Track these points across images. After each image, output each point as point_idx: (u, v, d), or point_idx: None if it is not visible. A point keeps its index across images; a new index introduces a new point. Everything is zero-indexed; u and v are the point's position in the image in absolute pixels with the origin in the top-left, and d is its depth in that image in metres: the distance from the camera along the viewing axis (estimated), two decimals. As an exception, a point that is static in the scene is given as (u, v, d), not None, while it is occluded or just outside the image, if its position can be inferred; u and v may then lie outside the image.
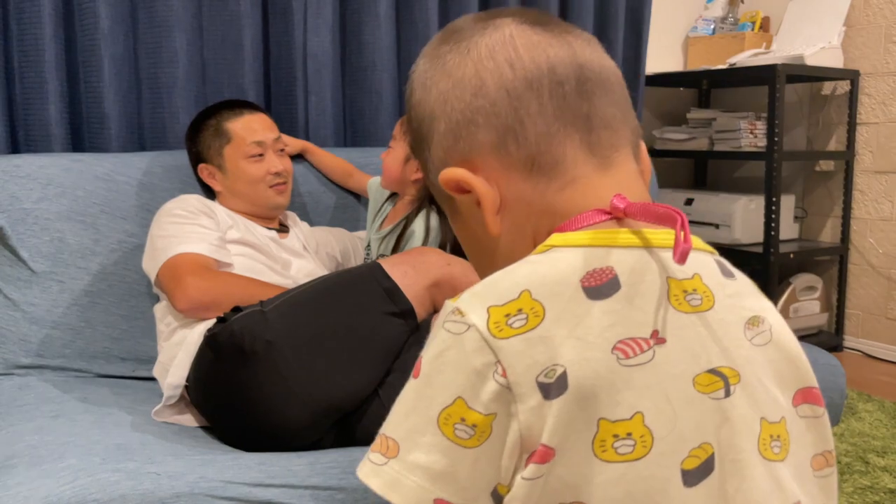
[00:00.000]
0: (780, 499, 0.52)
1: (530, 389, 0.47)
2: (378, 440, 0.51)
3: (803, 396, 0.56)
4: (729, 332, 0.52)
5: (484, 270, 0.59)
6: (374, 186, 1.78)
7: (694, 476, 0.49)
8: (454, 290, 1.32)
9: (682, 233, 0.50)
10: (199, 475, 1.09)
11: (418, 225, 1.56)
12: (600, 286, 0.50)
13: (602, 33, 2.54)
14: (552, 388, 0.47)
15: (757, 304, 0.56)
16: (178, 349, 1.33)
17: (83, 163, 1.63)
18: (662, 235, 0.54)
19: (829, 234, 2.96)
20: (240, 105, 1.63)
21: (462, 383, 0.48)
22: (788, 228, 2.85)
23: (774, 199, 2.58)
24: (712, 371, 0.51)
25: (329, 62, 2.05)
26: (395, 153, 1.61)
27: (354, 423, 1.23)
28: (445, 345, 0.49)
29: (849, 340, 2.93)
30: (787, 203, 2.81)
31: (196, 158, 1.62)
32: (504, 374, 0.47)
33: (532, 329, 0.48)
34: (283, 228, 1.68)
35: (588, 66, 0.57)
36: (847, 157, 2.83)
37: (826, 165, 2.96)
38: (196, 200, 1.52)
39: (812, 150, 2.98)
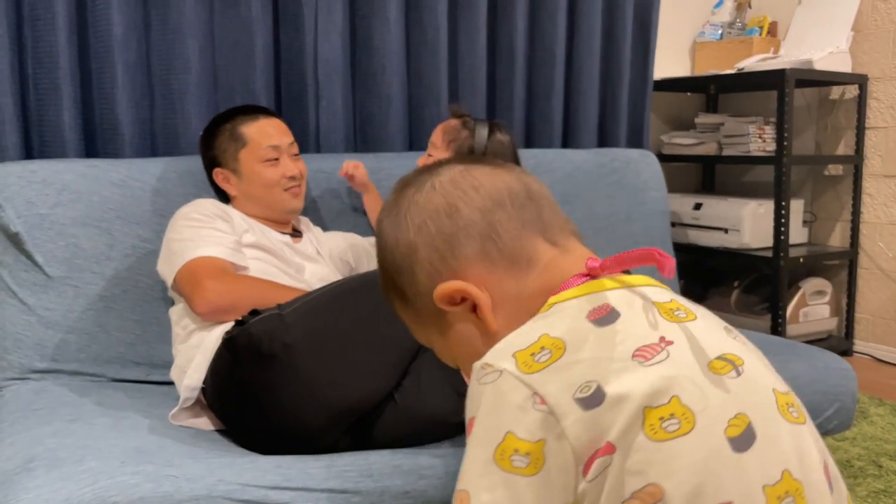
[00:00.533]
0: (805, 458, 0.56)
1: (570, 407, 0.53)
2: (454, 497, 0.57)
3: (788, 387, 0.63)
4: (716, 333, 0.61)
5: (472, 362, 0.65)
6: None
7: (740, 443, 0.54)
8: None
9: (661, 258, 0.60)
10: (217, 478, 1.10)
11: None
12: (603, 317, 0.59)
13: (609, 38, 2.55)
14: (590, 400, 0.53)
15: (723, 321, 0.65)
16: (195, 352, 1.34)
17: (98, 168, 1.64)
18: (638, 279, 0.64)
19: (838, 238, 2.95)
20: (255, 110, 1.65)
21: (508, 420, 0.54)
22: (797, 233, 2.85)
23: (783, 204, 2.58)
24: (720, 357, 0.58)
25: (339, 67, 2.06)
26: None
27: (370, 426, 1.23)
28: (485, 395, 0.56)
29: (859, 345, 2.92)
30: (797, 207, 2.81)
31: (211, 163, 1.63)
32: (543, 402, 0.54)
33: (558, 359, 0.55)
34: (296, 233, 1.69)
35: (529, 184, 0.69)
36: (856, 162, 2.83)
37: (835, 170, 2.96)
38: (212, 205, 1.53)
39: (821, 154, 2.98)
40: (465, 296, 0.65)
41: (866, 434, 1.95)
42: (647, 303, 0.61)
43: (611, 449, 0.52)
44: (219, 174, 1.62)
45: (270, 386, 1.17)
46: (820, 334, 2.88)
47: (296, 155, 1.65)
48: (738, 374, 0.57)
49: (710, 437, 0.53)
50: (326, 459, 1.18)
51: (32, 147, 1.79)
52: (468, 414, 0.58)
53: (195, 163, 1.74)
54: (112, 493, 1.02)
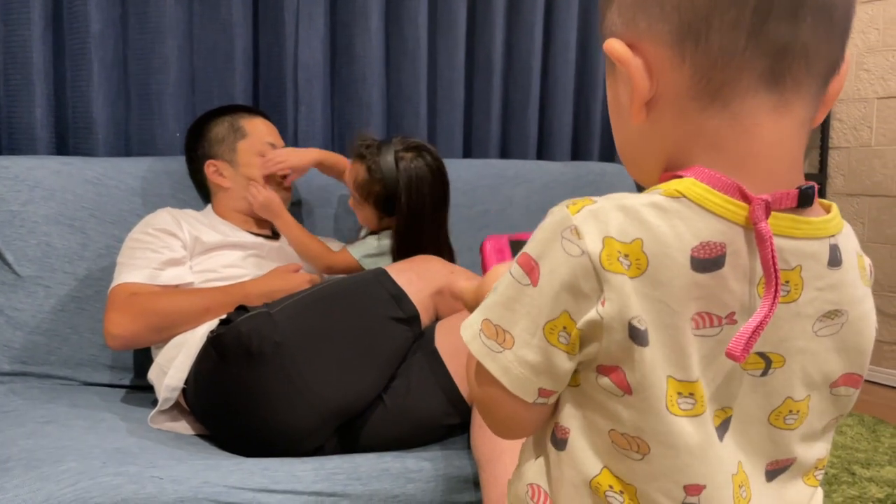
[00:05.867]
0: (775, 453, 0.58)
1: (621, 326, 0.51)
2: (488, 327, 0.55)
3: (845, 381, 0.59)
4: (796, 326, 0.54)
5: (614, 133, 0.61)
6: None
7: (719, 431, 0.55)
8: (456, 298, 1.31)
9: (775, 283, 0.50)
10: (202, 480, 1.06)
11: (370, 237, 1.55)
12: (706, 259, 0.50)
13: (584, 53, 2.58)
14: (640, 335, 0.51)
15: (848, 295, 0.55)
16: (177, 351, 1.30)
17: (72, 166, 1.59)
18: (785, 223, 0.51)
19: (801, 255, 3.02)
20: (252, 110, 1.68)
21: (569, 301, 0.52)
22: (763, 249, 2.90)
23: (752, 220, 2.62)
24: (760, 353, 0.55)
25: (320, 73, 2.04)
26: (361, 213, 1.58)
27: (358, 429, 1.21)
28: (559, 262, 0.52)
29: (822, 360, 2.98)
30: (763, 224, 2.87)
31: (203, 155, 1.60)
32: (604, 304, 0.51)
33: (632, 278, 0.50)
34: (274, 235, 1.66)
35: None
36: (819, 181, 2.90)
37: (798, 188, 3.03)
38: (166, 213, 1.49)
39: (785, 173, 3.05)
40: (627, 71, 0.53)
41: (837, 444, 1.98)
42: (752, 263, 0.51)
43: (630, 393, 0.52)
44: (211, 166, 1.59)
45: (258, 385, 1.14)
46: (785, 349, 2.93)
47: None
48: (764, 374, 0.55)
49: (710, 424, 0.54)
50: (314, 462, 1.15)
51: (1, 144, 1.73)
52: (531, 249, 0.53)
53: (171, 163, 1.70)
54: (93, 494, 0.98)
